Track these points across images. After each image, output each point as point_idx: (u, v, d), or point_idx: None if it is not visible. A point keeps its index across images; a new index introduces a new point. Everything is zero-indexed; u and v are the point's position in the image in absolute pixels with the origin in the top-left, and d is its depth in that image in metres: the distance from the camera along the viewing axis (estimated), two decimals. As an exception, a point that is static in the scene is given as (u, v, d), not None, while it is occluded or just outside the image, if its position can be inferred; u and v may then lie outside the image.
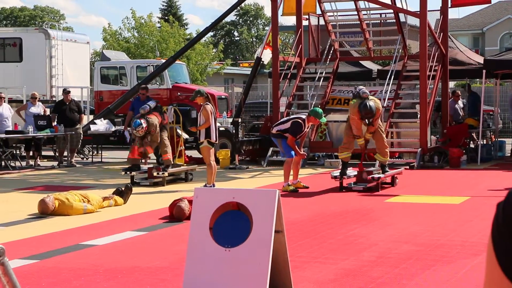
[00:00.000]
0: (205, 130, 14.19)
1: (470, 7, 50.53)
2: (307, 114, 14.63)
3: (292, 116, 15.44)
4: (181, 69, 26.90)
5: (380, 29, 24.05)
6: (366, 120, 14.11)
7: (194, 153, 20.93)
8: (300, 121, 14.28)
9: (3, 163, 19.19)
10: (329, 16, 22.73)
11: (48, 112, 21.59)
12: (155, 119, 15.77)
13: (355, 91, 14.56)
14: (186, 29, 65.31)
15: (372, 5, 21.78)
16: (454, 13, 74.66)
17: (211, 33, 67.56)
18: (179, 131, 18.78)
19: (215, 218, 5.93)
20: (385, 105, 19.20)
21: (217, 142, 14.90)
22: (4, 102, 20.52)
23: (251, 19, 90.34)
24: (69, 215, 11.17)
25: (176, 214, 10.70)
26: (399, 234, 9.39)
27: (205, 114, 14.13)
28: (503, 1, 66.13)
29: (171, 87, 25.00)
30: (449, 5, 21.62)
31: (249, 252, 5.73)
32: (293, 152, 14.25)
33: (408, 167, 18.32)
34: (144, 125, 15.46)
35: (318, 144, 20.34)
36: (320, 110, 14.67)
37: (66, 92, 21.18)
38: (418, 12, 19.96)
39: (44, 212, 11.21)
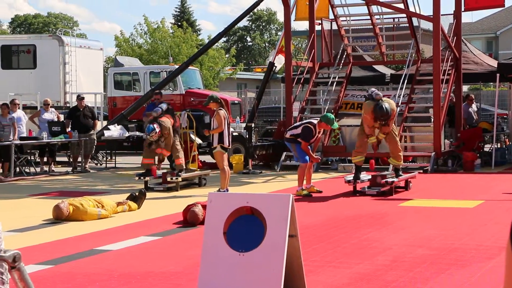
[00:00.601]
0: (218, 135, 14.21)
1: (484, 11, 50.36)
2: (318, 119, 14.61)
3: (303, 121, 15.44)
4: (194, 74, 26.96)
5: (393, 34, 24.01)
6: (383, 121, 14.14)
7: (208, 158, 20.97)
8: (310, 126, 14.28)
9: (17, 169, 19.27)
10: (342, 20, 22.72)
11: (61, 118, 21.69)
12: (167, 121, 15.83)
13: (368, 93, 14.58)
14: (199, 34, 65.45)
15: (385, 9, 21.78)
16: (467, 17, 74.56)
17: (224, 39, 67.76)
18: (192, 136, 18.81)
19: (229, 223, 5.94)
20: (398, 109, 19.18)
21: (230, 147, 14.92)
22: (19, 108, 20.62)
23: (263, 24, 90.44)
24: (84, 221, 11.20)
25: (190, 219, 10.71)
26: (413, 238, 9.36)
27: (218, 119, 14.17)
28: (517, 4, 65.94)
29: (184, 92, 25.07)
30: (462, 9, 21.57)
31: (263, 256, 5.73)
32: (307, 157, 14.23)
33: (422, 171, 18.28)
34: (158, 129, 15.52)
35: (332, 149, 20.33)
36: (332, 116, 14.63)
37: (80, 98, 21.27)
38: (431, 16, 19.92)
39: (59, 217, 11.25)
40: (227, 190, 14.11)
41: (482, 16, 64.91)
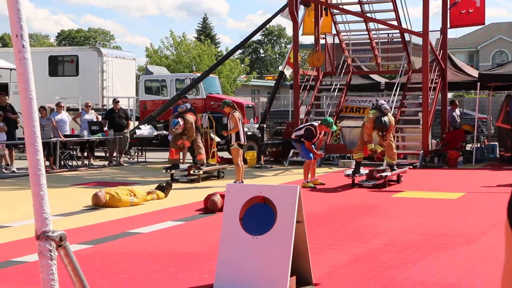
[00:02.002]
0: (235, 134, 14.26)
1: (466, 28, 50.14)
2: (319, 121, 14.58)
3: (306, 124, 15.41)
4: (214, 81, 26.93)
5: (387, 47, 23.93)
6: (380, 132, 14.06)
7: (225, 154, 20.98)
8: (311, 128, 14.27)
9: (62, 162, 19.36)
10: (343, 35, 22.67)
11: (100, 119, 21.76)
12: (190, 117, 15.89)
13: (375, 103, 14.48)
14: (218, 47, 65.42)
15: (380, 26, 21.73)
16: (452, 33, 74.14)
17: (240, 50, 67.72)
18: (212, 135, 18.84)
19: (244, 210, 5.94)
20: (392, 113, 19.11)
21: (245, 143, 14.94)
22: (63, 110, 20.70)
23: (274, 38, 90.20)
24: (118, 207, 11.25)
25: (210, 207, 10.72)
26: (404, 225, 9.34)
27: (233, 121, 14.22)
28: (495, 23, 65.71)
29: (205, 97, 25.05)
30: (448, 26, 21.48)
31: (274, 239, 5.74)
32: (311, 155, 14.22)
33: (411, 167, 18.21)
34: (181, 123, 15.55)
35: (333, 147, 20.29)
36: (331, 120, 14.58)
37: (115, 101, 21.33)
38: (421, 32, 19.85)
39: (97, 204, 11.31)
40: (242, 182, 14.12)
41: (465, 32, 64.65)
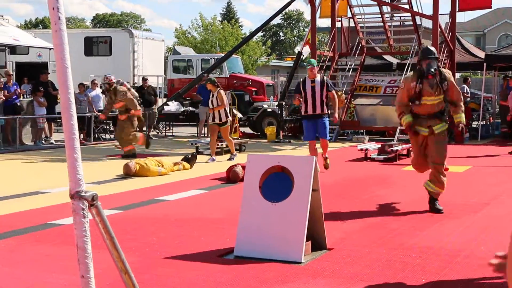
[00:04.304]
0: (223, 111, 13.73)
1: (474, 12, 49.41)
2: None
3: None
4: (236, 61, 26.82)
5: (399, 29, 23.68)
6: (433, 82, 8.02)
7: (247, 129, 20.94)
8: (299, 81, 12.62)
9: (96, 135, 19.45)
10: (358, 18, 22.46)
11: (130, 95, 21.78)
12: (123, 88, 15.06)
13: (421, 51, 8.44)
14: (242, 29, 65.17)
15: (393, 9, 21.47)
16: (460, 17, 73.24)
17: (261, 33, 67.27)
18: (235, 111, 18.78)
19: (264, 179, 5.92)
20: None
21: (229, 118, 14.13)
22: (97, 87, 20.76)
23: (293, 22, 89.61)
24: (147, 177, 11.29)
25: (232, 177, 10.73)
26: (413, 195, 9.28)
27: (220, 97, 13.63)
28: (501, 7, 64.75)
29: (228, 76, 24.98)
30: (457, 9, 21.19)
31: (291, 206, 5.72)
32: (307, 135, 12.71)
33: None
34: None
35: (348, 123, 20.21)
36: (308, 60, 13.38)
37: (144, 79, 21.36)
38: (431, 16, 19.60)
39: (128, 173, 11.36)
40: (214, 159, 13.93)
41: (473, 17, 63.82)
